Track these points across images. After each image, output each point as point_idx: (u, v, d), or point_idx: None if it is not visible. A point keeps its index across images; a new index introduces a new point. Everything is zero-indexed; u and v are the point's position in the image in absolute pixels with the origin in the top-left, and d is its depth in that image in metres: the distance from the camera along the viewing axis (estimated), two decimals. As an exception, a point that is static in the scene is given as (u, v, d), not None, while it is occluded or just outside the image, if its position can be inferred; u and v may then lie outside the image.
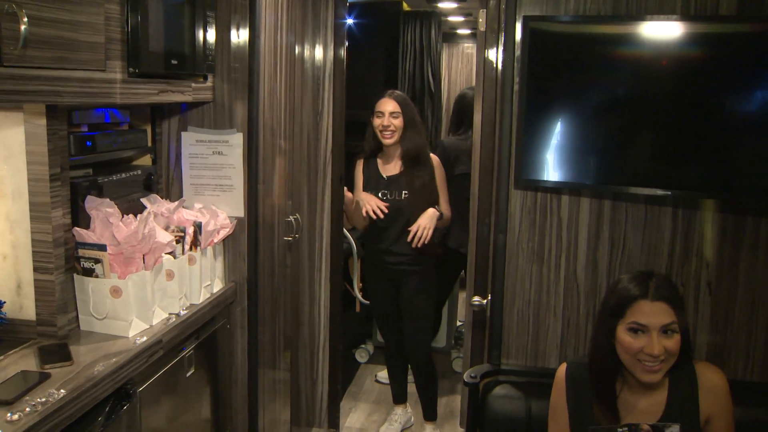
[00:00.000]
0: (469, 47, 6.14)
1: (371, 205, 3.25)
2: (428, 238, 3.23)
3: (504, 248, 2.26)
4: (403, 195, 3.29)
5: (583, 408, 1.86)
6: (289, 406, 3.19)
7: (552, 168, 2.17)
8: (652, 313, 1.73)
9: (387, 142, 3.30)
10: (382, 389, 4.14)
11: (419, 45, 5.12)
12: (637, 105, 2.09)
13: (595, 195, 2.21)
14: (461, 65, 6.11)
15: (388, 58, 4.69)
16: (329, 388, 3.50)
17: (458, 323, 4.59)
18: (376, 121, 3.30)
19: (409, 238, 3.21)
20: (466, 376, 2.24)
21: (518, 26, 2.17)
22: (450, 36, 6.00)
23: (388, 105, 3.29)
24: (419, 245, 3.23)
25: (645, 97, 2.09)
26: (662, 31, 2.05)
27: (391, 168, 3.37)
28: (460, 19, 5.54)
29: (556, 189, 2.21)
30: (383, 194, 3.32)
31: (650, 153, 2.11)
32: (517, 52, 2.17)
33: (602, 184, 2.13)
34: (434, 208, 3.29)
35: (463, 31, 6.00)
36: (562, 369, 1.93)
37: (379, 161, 3.40)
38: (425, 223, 3.22)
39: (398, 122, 3.28)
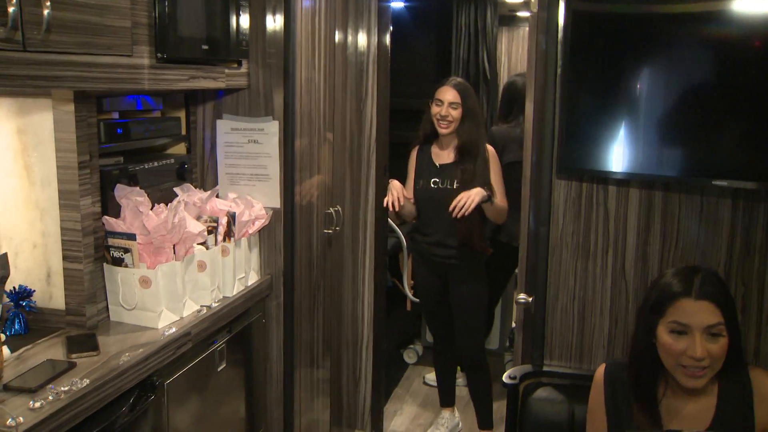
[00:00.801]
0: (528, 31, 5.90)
1: (393, 195, 3.08)
2: (470, 208, 2.99)
3: (547, 242, 2.12)
4: (454, 184, 3.15)
5: (621, 411, 1.72)
6: (329, 407, 3.11)
7: (598, 156, 2.01)
8: (695, 312, 1.57)
9: (443, 131, 3.18)
10: (430, 392, 3.99)
11: (473, 28, 4.91)
12: (692, 89, 1.90)
13: (645, 185, 2.03)
14: (522, 50, 5.84)
15: (441, 42, 4.54)
16: (373, 389, 3.40)
17: (513, 324, 4.42)
18: (434, 109, 3.17)
19: (451, 208, 3.01)
20: (505, 377, 2.12)
21: (561, 6, 2.03)
22: (509, 19, 5.72)
23: (448, 94, 3.15)
24: (459, 215, 3.00)
25: (701, 81, 1.91)
26: (719, 9, 1.86)
27: (444, 156, 3.24)
28: (519, 0, 5.33)
29: (602, 179, 2.05)
30: (434, 182, 3.20)
31: (706, 140, 1.92)
32: (561, 34, 2.02)
33: (653, 173, 1.96)
34: (483, 188, 3.08)
35: (523, 14, 5.76)
36: (601, 369, 1.80)
37: (433, 148, 3.28)
38: (470, 196, 3.01)
39: (456, 113, 3.15)
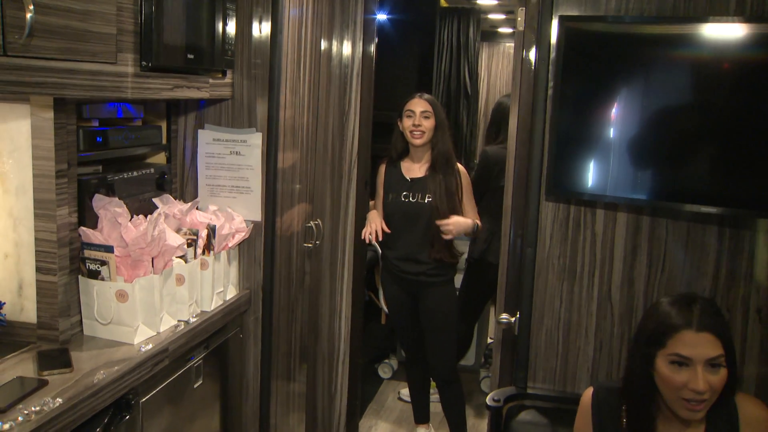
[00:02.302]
0: (511, 47, 5.93)
1: (371, 227, 3.13)
2: (453, 234, 3.08)
3: (533, 263, 2.10)
4: (426, 198, 3.14)
5: None
6: (305, 422, 3.06)
7: (587, 179, 2.01)
8: (697, 344, 1.56)
9: (417, 142, 3.15)
10: (405, 407, 3.95)
11: (456, 43, 4.92)
12: (683, 113, 1.90)
13: (633, 209, 2.03)
14: (501, 66, 5.89)
15: (423, 56, 4.51)
16: (348, 404, 3.34)
17: (489, 340, 4.40)
18: (407, 122, 3.15)
19: (439, 223, 3.06)
20: (489, 399, 2.08)
21: (554, 26, 2.02)
22: (490, 35, 5.77)
23: (418, 105, 3.15)
24: (443, 232, 3.07)
25: (693, 105, 1.91)
26: (714, 32, 1.87)
27: (416, 170, 3.22)
28: (501, 17, 5.35)
29: (590, 201, 2.05)
30: (405, 196, 3.17)
31: (697, 166, 1.92)
32: (553, 54, 2.01)
33: (641, 198, 1.96)
34: (473, 222, 3.19)
35: (505, 30, 5.79)
36: (588, 393, 1.78)
37: (404, 163, 3.26)
38: (459, 224, 3.10)
39: (429, 123, 3.14)
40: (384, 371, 4.37)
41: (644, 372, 1.64)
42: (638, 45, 1.94)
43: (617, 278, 2.07)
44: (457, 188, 3.18)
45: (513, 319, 2.28)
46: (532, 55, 2.57)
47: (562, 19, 1.97)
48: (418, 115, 3.12)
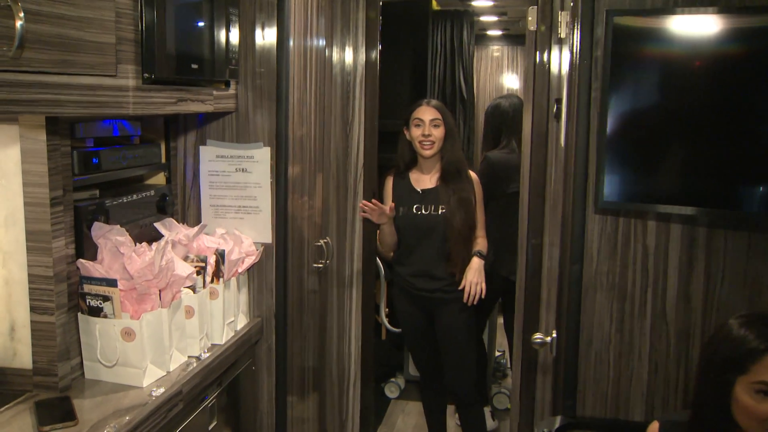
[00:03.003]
0: (498, 50, 5.81)
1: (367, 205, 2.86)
2: (483, 292, 2.91)
3: (579, 280, 1.94)
4: (440, 210, 2.92)
5: None
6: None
7: (637, 189, 1.85)
8: None
9: (426, 153, 2.93)
10: (417, 428, 3.74)
11: (450, 47, 4.77)
12: (747, 115, 1.75)
13: (688, 220, 1.89)
14: (491, 69, 5.75)
15: (416, 61, 4.35)
16: (360, 429, 3.16)
17: (496, 353, 4.22)
18: (415, 131, 2.93)
19: (465, 299, 2.89)
20: (538, 433, 1.92)
21: (598, 22, 1.86)
22: (479, 38, 5.63)
23: (427, 113, 2.93)
24: (475, 302, 2.91)
25: (756, 113, 1.75)
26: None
27: (426, 181, 3.00)
28: (493, 18, 5.21)
29: (640, 213, 1.89)
30: (417, 209, 2.94)
31: (760, 171, 1.77)
32: (599, 53, 1.85)
33: (698, 207, 1.80)
34: (476, 255, 2.96)
35: (494, 32, 5.65)
36: (654, 428, 1.61)
37: (412, 174, 3.03)
38: (475, 278, 2.90)
39: (439, 132, 2.92)
40: (391, 390, 4.17)
41: (719, 403, 1.47)
42: (699, 40, 1.77)
43: (672, 295, 1.92)
44: (470, 197, 2.97)
45: (548, 339, 2.12)
46: (545, 57, 2.44)
47: (609, 14, 1.80)
48: (428, 125, 2.91)
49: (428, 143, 2.92)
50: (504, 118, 3.58)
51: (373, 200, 2.86)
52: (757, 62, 1.73)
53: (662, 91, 1.81)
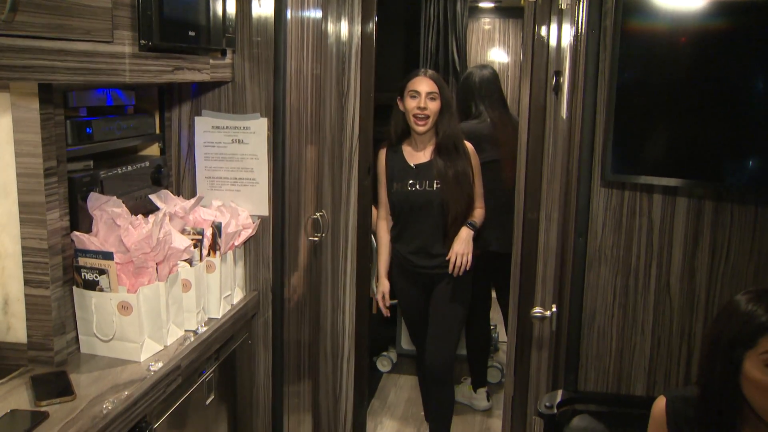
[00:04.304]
0: (489, 22, 5.74)
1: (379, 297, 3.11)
2: (469, 263, 2.86)
3: (584, 254, 1.92)
4: (435, 185, 2.87)
5: None
6: (311, 425, 2.86)
7: (644, 162, 1.83)
8: None
9: (420, 129, 2.86)
10: (410, 403, 3.76)
11: (443, 19, 4.70)
12: (755, 92, 1.73)
13: (694, 194, 1.87)
14: (481, 42, 5.68)
15: (409, 33, 4.29)
16: (354, 405, 3.15)
17: (491, 326, 4.24)
18: (410, 104, 2.84)
19: (450, 269, 2.84)
20: (540, 407, 1.91)
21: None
22: (470, 10, 5.55)
23: (423, 84, 2.84)
24: (461, 273, 2.86)
25: (761, 87, 1.73)
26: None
27: (420, 155, 2.94)
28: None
29: (647, 186, 1.87)
30: (411, 185, 2.90)
31: (763, 147, 1.75)
32: (609, 27, 1.81)
33: (705, 180, 1.79)
34: (467, 225, 2.90)
35: (486, 5, 5.57)
36: (661, 404, 1.60)
37: (405, 148, 2.97)
38: (461, 249, 2.85)
39: (435, 105, 2.83)
40: (383, 364, 4.16)
41: (729, 378, 1.46)
42: (710, 9, 1.73)
43: (676, 269, 1.91)
44: (466, 169, 2.91)
45: (548, 313, 2.11)
46: (544, 31, 2.40)
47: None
48: (424, 97, 2.83)
49: (422, 117, 2.84)
50: (472, 88, 3.54)
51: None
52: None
53: (672, 63, 1.78)
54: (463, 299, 3.02)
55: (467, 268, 2.86)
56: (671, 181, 1.82)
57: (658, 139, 1.82)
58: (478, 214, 2.97)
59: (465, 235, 2.86)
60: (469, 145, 2.98)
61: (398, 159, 2.96)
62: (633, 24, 1.78)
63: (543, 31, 2.45)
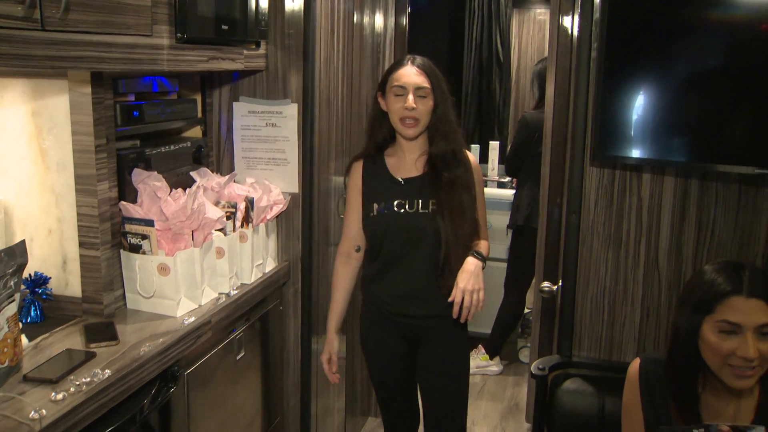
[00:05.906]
0: (542, 13, 5.79)
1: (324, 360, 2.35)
2: (480, 305, 2.06)
3: (577, 230, 2.06)
4: (429, 206, 2.13)
5: (659, 409, 1.67)
6: (344, 394, 3.07)
7: (633, 143, 1.95)
8: (747, 311, 1.50)
9: (409, 133, 2.13)
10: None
11: (487, 10, 4.81)
12: (734, 74, 1.83)
13: (681, 174, 1.98)
14: (533, 33, 5.74)
15: (453, 24, 4.42)
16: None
17: (526, 310, 4.39)
18: (394, 103, 2.12)
19: (455, 313, 2.05)
20: (533, 368, 2.06)
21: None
22: (521, 1, 5.63)
23: (410, 76, 2.11)
24: (470, 318, 2.09)
25: (744, 66, 1.82)
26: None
27: (408, 167, 2.20)
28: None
29: (636, 166, 1.99)
30: (399, 205, 2.14)
31: (747, 127, 1.85)
32: (596, 14, 1.94)
33: (690, 161, 1.90)
34: (473, 255, 2.09)
35: (538, -4, 5.65)
36: (636, 365, 1.73)
37: (388, 160, 2.23)
38: (471, 284, 2.04)
39: (426, 106, 2.11)
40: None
41: (689, 341, 1.58)
42: (686, 3, 1.85)
43: (664, 245, 2.02)
44: (471, 188, 2.19)
45: (555, 288, 2.25)
46: (567, 21, 2.52)
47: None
48: (412, 94, 2.10)
49: (411, 121, 2.11)
50: (543, 77, 3.66)
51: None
52: (742, 24, 1.81)
53: (656, 48, 1.89)
54: (465, 353, 2.30)
55: (478, 310, 2.07)
56: (658, 162, 1.93)
57: (646, 121, 1.94)
58: (484, 246, 2.17)
59: (473, 266, 2.07)
60: (471, 156, 2.25)
61: (380, 172, 2.22)
62: (620, 11, 1.89)
63: (565, 21, 2.58)
